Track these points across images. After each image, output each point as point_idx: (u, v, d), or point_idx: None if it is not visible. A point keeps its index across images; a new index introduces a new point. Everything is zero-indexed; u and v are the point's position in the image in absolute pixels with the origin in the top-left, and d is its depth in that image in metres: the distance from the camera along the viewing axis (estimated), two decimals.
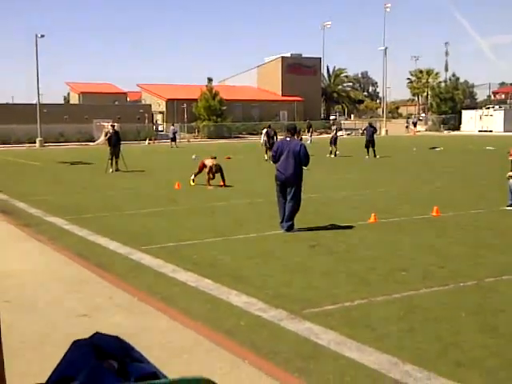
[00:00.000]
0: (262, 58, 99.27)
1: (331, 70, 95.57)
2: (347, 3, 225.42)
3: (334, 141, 33.11)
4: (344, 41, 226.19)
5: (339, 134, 73.39)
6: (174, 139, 47.16)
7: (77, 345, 2.33)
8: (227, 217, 12.91)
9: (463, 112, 74.70)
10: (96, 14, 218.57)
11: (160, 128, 73.27)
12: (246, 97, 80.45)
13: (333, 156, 32.38)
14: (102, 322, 6.15)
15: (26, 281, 8.00)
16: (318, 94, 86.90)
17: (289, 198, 11.02)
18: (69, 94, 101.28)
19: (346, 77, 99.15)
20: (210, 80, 71.39)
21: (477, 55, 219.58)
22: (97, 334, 2.42)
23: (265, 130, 32.24)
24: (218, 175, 18.47)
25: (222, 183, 18.45)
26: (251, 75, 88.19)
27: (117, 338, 2.40)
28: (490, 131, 48.51)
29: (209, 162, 18.75)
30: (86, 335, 2.19)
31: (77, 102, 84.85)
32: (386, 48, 76.33)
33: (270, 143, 30.66)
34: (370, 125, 32.70)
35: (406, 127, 77.05)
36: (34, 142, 55.11)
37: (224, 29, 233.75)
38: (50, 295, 7.27)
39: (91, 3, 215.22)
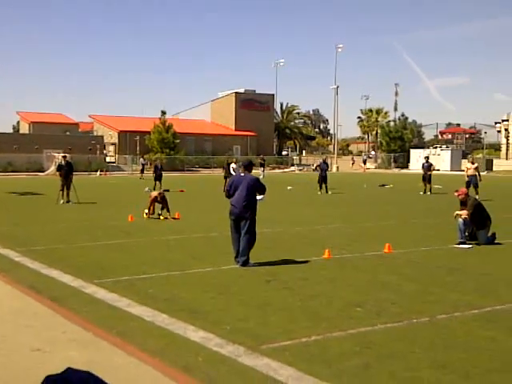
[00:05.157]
0: (215, 93, 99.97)
1: (284, 107, 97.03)
2: (300, 42, 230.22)
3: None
4: (296, 78, 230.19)
5: (292, 168, 74.31)
6: (142, 171, 48.31)
7: (49, 380, 2.33)
8: (182, 250, 12.87)
9: (411, 151, 76.50)
10: (48, 44, 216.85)
11: (112, 159, 72.69)
12: (199, 130, 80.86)
13: None
14: (56, 357, 6.05)
15: None
16: (270, 130, 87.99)
17: (243, 232, 11.07)
18: (18, 123, 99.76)
19: (298, 113, 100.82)
20: (163, 113, 71.52)
21: (425, 96, 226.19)
22: (69, 369, 2.43)
23: (233, 165, 33.30)
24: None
25: (168, 216, 18.49)
26: (205, 109, 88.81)
27: (89, 374, 2.41)
28: (438, 170, 49.79)
29: (154, 193, 19.37)
30: (40, 370, 2.19)
31: (27, 131, 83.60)
32: (338, 86, 78.16)
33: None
34: (324, 161, 33.14)
35: (352, 164, 78.67)
36: None
37: (178, 62, 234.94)
38: (3, 329, 7.10)
39: (44, 33, 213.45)
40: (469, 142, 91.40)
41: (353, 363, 5.92)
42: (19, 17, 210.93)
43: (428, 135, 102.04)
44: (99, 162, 63.43)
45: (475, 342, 6.64)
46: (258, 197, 11.37)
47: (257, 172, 48.31)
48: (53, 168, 48.78)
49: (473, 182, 27.21)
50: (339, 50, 79.95)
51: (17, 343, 6.55)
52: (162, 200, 18.65)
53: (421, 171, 33.26)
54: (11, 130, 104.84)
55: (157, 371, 5.74)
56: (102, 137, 72.15)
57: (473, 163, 28.64)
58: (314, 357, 6.09)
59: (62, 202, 24.17)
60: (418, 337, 6.79)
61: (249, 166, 11.64)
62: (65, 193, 24.46)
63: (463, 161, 30.66)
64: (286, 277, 10.08)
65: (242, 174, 11.51)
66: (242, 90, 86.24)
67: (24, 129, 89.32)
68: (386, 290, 9.14)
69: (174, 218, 18.57)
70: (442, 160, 68.56)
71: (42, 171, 58.30)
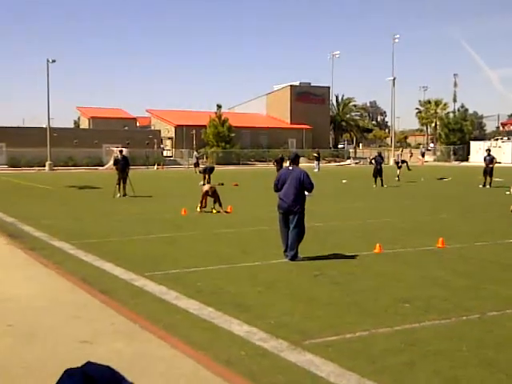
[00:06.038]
0: (270, 86, 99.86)
1: (340, 99, 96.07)
2: (356, 33, 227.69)
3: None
4: (353, 70, 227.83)
5: (348, 161, 73.63)
6: (197, 164, 47.14)
7: (68, 373, 2.36)
8: (232, 244, 12.93)
9: (471, 143, 74.77)
10: (106, 40, 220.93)
11: (168, 153, 73.63)
12: (254, 124, 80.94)
13: None
14: (102, 349, 6.17)
15: (29, 305, 8.03)
16: (326, 123, 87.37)
17: (292, 226, 10.99)
18: (79, 118, 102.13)
19: (355, 106, 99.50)
20: (219, 107, 71.94)
21: (486, 86, 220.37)
22: (88, 363, 2.46)
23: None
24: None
25: (220, 210, 18.60)
26: (260, 103, 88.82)
27: (108, 368, 2.43)
28: (499, 163, 48.43)
29: (206, 187, 19.50)
30: (86, 361, 2.20)
31: (87, 126, 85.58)
32: (395, 78, 76.90)
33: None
34: (379, 154, 32.67)
35: (410, 156, 77.29)
36: (44, 166, 55.54)
37: (233, 56, 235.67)
38: (52, 320, 7.28)
39: (102, 29, 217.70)
40: None
41: (397, 360, 5.82)
42: (80, 15, 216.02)
43: (490, 127, 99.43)
44: (156, 157, 64.44)
45: None
46: (306, 193, 11.25)
47: (311, 166, 48.16)
48: (111, 162, 49.83)
49: None
50: (396, 40, 78.66)
51: (65, 334, 6.71)
52: (213, 194, 18.79)
53: (481, 164, 32.45)
54: (72, 126, 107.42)
55: (199, 364, 5.78)
56: (159, 131, 73.22)
57: None
58: (357, 353, 6.02)
59: (118, 195, 24.65)
60: (466, 334, 6.63)
61: (295, 159, 11.54)
62: (121, 186, 24.93)
63: None
64: (335, 271, 10.00)
65: (290, 168, 11.43)
66: (297, 83, 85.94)
67: (84, 124, 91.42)
68: (437, 286, 8.95)
69: (226, 212, 18.68)
70: (502, 152, 66.72)
71: (102, 165, 59.61)
